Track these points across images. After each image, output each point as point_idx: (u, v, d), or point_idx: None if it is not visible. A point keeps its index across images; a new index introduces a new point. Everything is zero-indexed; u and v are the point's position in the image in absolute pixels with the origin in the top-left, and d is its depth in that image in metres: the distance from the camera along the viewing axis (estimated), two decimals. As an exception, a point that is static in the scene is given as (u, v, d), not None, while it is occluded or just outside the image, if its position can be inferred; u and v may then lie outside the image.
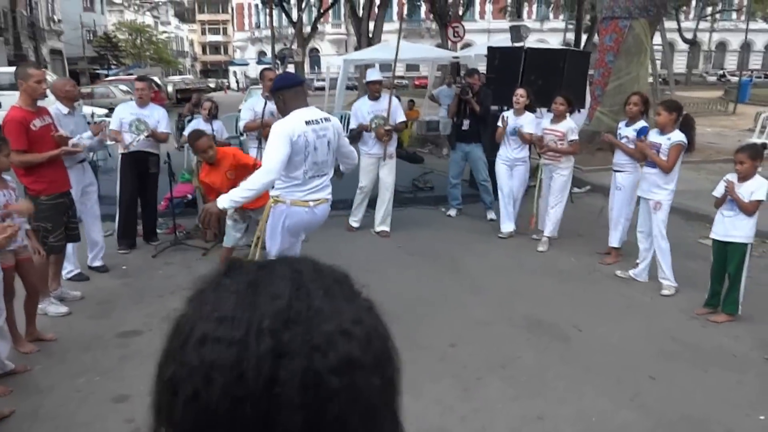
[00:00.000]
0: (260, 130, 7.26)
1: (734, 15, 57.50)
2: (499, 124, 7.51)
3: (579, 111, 8.56)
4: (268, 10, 42.25)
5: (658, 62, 16.94)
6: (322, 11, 40.71)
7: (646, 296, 5.76)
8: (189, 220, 8.07)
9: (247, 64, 59.15)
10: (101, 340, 4.93)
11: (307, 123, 4.24)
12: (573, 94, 8.58)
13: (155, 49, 56.87)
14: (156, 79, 30.12)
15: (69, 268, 6.19)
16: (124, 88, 25.30)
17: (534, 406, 3.86)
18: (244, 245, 5.98)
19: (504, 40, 19.53)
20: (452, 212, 8.75)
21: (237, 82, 56.52)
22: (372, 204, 8.04)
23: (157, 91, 27.23)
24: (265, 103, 7.16)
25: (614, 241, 6.59)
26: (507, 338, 4.86)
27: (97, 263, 6.56)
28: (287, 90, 4.31)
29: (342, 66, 15.44)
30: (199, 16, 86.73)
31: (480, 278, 6.25)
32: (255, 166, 5.00)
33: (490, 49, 9.46)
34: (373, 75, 7.74)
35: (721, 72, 55.18)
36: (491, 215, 8.44)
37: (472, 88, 8.25)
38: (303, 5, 38.60)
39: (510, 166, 7.56)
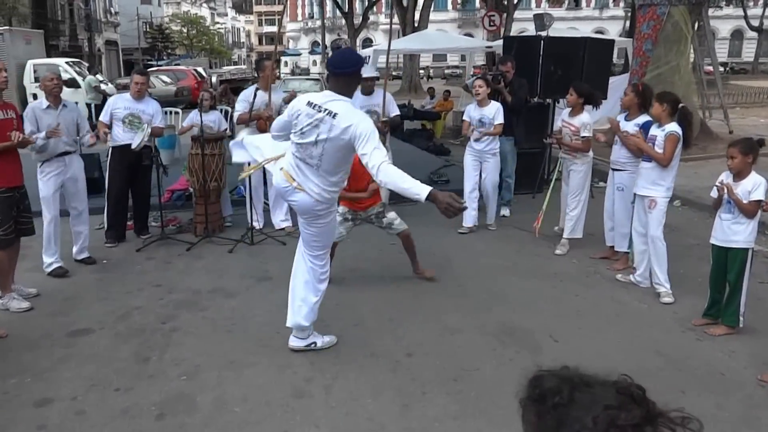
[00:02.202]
0: (255, 122, 7.05)
1: None
2: (465, 117, 7.28)
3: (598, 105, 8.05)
4: (319, 0, 42.43)
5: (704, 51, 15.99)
6: (373, 1, 40.54)
7: (642, 303, 5.25)
8: (186, 214, 7.91)
9: (299, 54, 59.45)
10: (50, 338, 4.77)
11: (308, 104, 3.88)
12: (595, 84, 8.07)
13: (207, 39, 57.62)
14: (200, 69, 30.51)
15: (48, 262, 6.09)
16: (166, 79, 25.52)
17: (472, 428, 3.47)
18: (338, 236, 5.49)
19: (562, 30, 18.91)
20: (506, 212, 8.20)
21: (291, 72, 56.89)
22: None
23: (201, 81, 27.63)
24: (255, 95, 6.95)
25: (624, 245, 6.06)
26: (472, 347, 4.46)
27: (83, 255, 6.46)
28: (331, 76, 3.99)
29: (371, 56, 15.09)
30: (256, 8, 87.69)
31: (465, 280, 5.84)
32: None
33: (506, 38, 9.15)
34: (366, 71, 7.47)
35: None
36: (505, 212, 8.05)
37: (504, 77, 7.80)
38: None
39: (479, 159, 7.23)
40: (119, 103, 6.92)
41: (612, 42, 9.12)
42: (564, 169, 6.70)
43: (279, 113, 7.27)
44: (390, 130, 7.44)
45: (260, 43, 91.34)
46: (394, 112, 7.44)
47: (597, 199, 7.28)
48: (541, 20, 9.57)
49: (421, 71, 49.73)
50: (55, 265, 6.11)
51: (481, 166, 7.29)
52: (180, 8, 63.95)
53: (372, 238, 6.84)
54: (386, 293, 5.52)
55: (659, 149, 5.08)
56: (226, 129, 7.51)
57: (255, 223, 7.31)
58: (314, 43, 64.93)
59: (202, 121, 6.99)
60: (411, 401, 3.76)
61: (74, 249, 6.44)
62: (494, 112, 7.03)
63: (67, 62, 19.12)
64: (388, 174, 3.52)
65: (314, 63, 56.43)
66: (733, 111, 18.92)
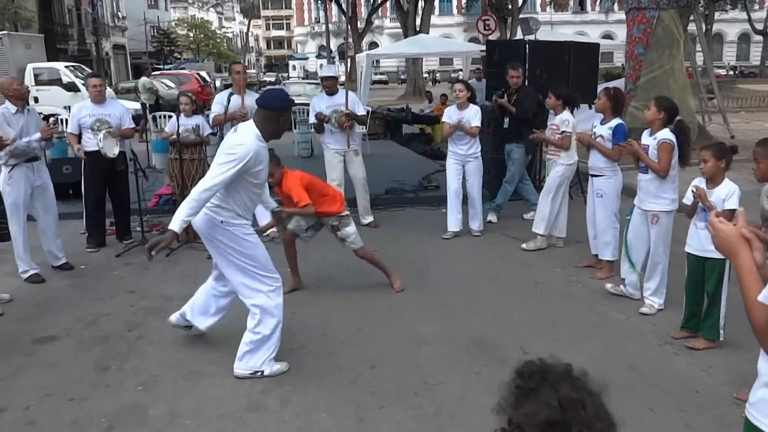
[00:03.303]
0: (228, 123, 7.01)
1: None
2: (444, 119, 7.18)
3: (590, 107, 7.93)
4: (323, 5, 42.59)
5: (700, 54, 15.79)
6: (376, 5, 40.58)
7: (621, 314, 5.09)
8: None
9: (306, 59, 59.68)
10: (15, 345, 4.70)
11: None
12: (583, 87, 7.96)
13: (214, 44, 57.79)
14: (204, 73, 30.53)
15: (24, 268, 6.03)
16: (169, 83, 25.52)
17: (426, 447, 3.35)
18: (307, 237, 5.67)
19: (569, 35, 18.82)
20: (528, 215, 7.97)
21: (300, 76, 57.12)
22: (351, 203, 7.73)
23: (204, 86, 27.66)
24: (229, 98, 6.90)
25: (607, 254, 5.90)
26: (438, 360, 4.33)
27: (60, 262, 6.39)
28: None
29: (365, 60, 15.01)
30: (263, 12, 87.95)
31: (443, 289, 5.70)
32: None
33: (488, 42, 9.08)
34: (327, 71, 7.81)
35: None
36: (492, 217, 7.91)
37: (508, 89, 7.64)
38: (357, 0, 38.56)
39: (461, 163, 7.14)
40: (83, 111, 6.82)
41: (597, 45, 9.01)
42: (549, 170, 6.68)
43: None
44: (354, 123, 7.52)
45: (268, 47, 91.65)
46: (360, 111, 7.54)
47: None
48: (527, 24, 9.52)
49: (427, 75, 49.66)
50: (31, 272, 6.05)
51: (464, 170, 7.16)
52: (187, 12, 64.21)
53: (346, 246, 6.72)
54: (360, 303, 5.40)
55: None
56: (209, 134, 7.42)
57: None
58: (321, 47, 64.99)
59: (178, 126, 6.91)
60: (367, 416, 3.63)
61: (48, 257, 6.36)
62: (473, 115, 6.93)
63: (66, 66, 19.17)
64: (190, 195, 3.75)
65: (321, 67, 56.51)
66: (738, 115, 18.67)
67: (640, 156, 5.01)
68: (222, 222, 3.92)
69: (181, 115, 7.07)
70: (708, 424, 3.59)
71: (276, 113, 3.87)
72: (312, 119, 7.63)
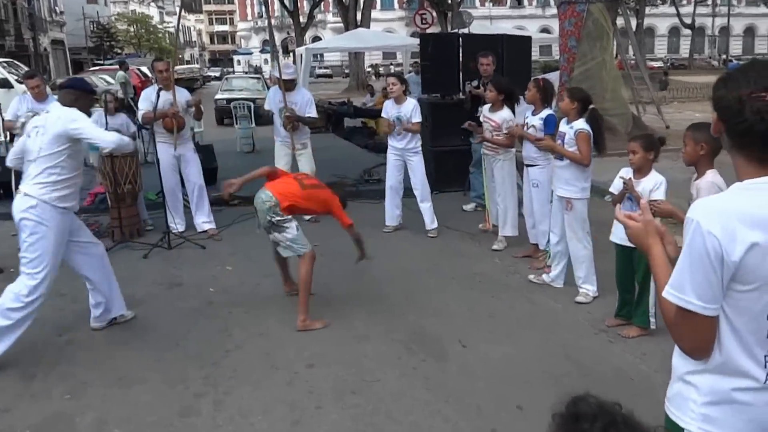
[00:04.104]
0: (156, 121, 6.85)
1: (735, 0, 56.32)
2: (383, 115, 7.13)
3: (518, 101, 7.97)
4: (264, 0, 42.25)
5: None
6: (318, 0, 40.37)
7: (557, 303, 5.15)
8: (108, 218, 7.57)
9: (250, 53, 58.82)
10: None
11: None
12: (518, 80, 7.99)
13: (155, 39, 56.50)
14: (145, 68, 29.77)
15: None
16: (108, 78, 24.82)
17: (362, 446, 3.31)
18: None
19: (507, 29, 19.04)
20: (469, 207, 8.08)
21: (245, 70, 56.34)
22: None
23: (145, 81, 27.03)
24: (158, 94, 6.72)
25: (545, 242, 5.96)
26: (377, 356, 4.29)
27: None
28: None
29: (303, 55, 14.88)
30: (205, 7, 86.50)
31: (383, 283, 5.68)
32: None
33: (422, 36, 9.17)
34: (288, 69, 7.64)
35: (724, 57, 53.75)
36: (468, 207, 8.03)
37: (481, 77, 7.46)
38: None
39: (401, 158, 7.08)
40: (23, 107, 6.71)
41: (530, 38, 9.13)
42: (488, 166, 6.61)
43: (187, 110, 7.11)
44: (296, 123, 7.41)
45: (212, 41, 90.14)
46: (312, 113, 7.53)
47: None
48: (460, 18, 9.59)
49: (370, 69, 49.52)
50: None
51: (405, 165, 7.12)
52: (128, 7, 62.58)
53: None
54: (296, 299, 5.29)
55: (568, 147, 4.99)
56: (134, 132, 7.25)
57: (176, 226, 7.10)
58: (265, 42, 64.38)
59: (107, 123, 6.71)
60: (303, 417, 3.57)
61: None
62: (411, 109, 6.86)
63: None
64: None
65: (265, 62, 55.90)
66: (671, 105, 19.22)
67: (556, 150, 5.12)
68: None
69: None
70: (642, 411, 3.61)
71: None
72: (267, 108, 7.62)
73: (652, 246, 1.81)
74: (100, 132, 4.53)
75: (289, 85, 7.36)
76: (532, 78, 6.50)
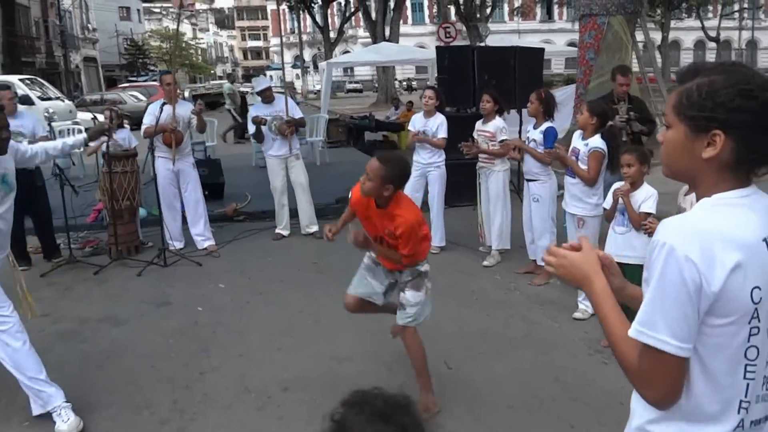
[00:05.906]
0: (157, 136, 6.82)
1: (762, 14, 55.24)
2: (410, 127, 6.88)
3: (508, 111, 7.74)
4: (295, 16, 42.59)
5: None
6: (348, 16, 40.59)
7: (555, 322, 4.91)
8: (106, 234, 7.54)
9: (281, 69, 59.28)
10: None
11: None
12: (529, 92, 7.81)
13: (186, 55, 57.40)
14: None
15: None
16: (138, 95, 25.20)
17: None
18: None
19: (533, 43, 18.79)
20: None
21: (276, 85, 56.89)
22: (294, 213, 7.73)
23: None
24: (162, 109, 6.70)
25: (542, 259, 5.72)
26: (357, 378, 4.09)
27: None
28: None
29: (325, 69, 14.86)
30: (238, 23, 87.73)
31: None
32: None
33: (438, 49, 9.11)
34: (261, 84, 7.75)
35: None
36: None
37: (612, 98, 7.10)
38: (329, 10, 38.44)
39: (422, 173, 6.77)
40: None
41: (542, 50, 8.94)
42: (483, 181, 6.41)
43: (188, 126, 7.07)
44: (295, 128, 7.47)
45: (245, 57, 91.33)
46: (298, 115, 7.50)
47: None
48: (477, 32, 9.43)
49: (403, 83, 49.49)
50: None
51: (426, 182, 6.84)
52: (161, 24, 63.77)
53: (286, 257, 6.55)
54: (284, 319, 5.16)
55: (582, 165, 4.78)
56: (135, 146, 7.21)
57: (173, 243, 7.01)
58: (296, 57, 64.99)
59: (110, 139, 6.64)
60: (267, 445, 3.41)
61: None
62: (437, 124, 6.55)
63: (22, 79, 18.75)
64: None
65: (297, 77, 56.39)
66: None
67: (566, 162, 4.93)
68: None
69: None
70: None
71: None
72: (251, 128, 7.48)
73: (593, 278, 1.55)
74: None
75: (268, 94, 7.43)
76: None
